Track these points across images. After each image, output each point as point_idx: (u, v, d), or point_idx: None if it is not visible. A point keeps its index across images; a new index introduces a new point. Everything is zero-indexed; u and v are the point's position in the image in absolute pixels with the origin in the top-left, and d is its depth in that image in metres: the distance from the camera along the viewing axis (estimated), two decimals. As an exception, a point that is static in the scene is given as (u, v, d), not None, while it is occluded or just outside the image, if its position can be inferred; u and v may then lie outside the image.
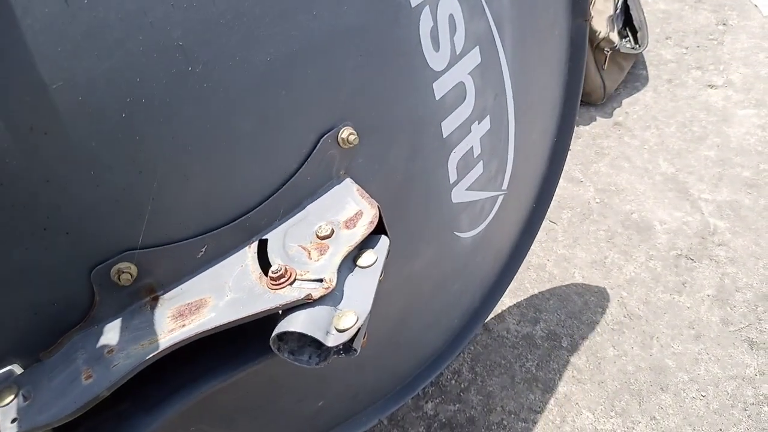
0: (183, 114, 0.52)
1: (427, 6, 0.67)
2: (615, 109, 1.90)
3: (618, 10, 1.85)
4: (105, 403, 0.51)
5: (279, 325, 0.53)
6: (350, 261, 0.59)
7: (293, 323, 0.52)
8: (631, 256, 1.50)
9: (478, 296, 1.13)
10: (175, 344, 0.52)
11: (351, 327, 0.53)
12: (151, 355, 0.51)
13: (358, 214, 0.63)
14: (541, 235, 1.56)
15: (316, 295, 0.54)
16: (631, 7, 1.94)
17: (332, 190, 0.65)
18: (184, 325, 0.53)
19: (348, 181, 0.66)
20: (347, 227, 0.62)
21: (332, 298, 0.55)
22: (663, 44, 2.14)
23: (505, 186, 0.96)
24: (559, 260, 1.50)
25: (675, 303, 1.39)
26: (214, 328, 0.52)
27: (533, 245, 1.54)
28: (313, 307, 0.54)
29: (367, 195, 0.64)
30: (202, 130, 0.54)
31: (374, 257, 0.60)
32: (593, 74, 1.81)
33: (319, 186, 0.64)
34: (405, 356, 1.05)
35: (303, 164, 0.62)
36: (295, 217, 0.63)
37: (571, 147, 1.78)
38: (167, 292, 0.57)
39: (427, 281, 0.90)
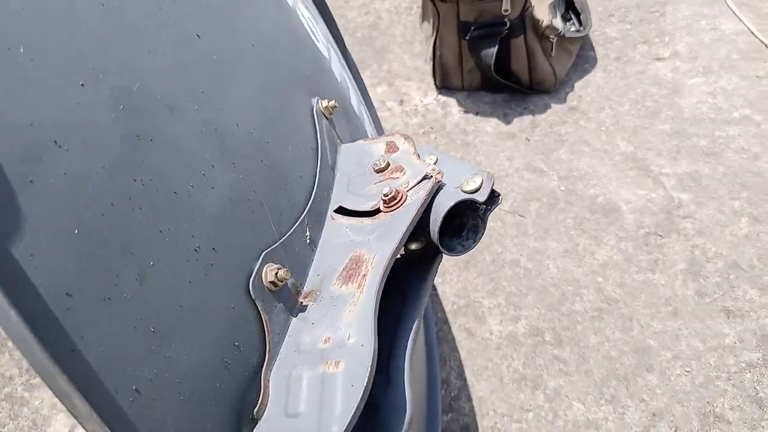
0: (230, 97, 0.54)
1: (296, 7, 0.76)
2: (568, 93, 1.91)
3: (558, -4, 1.86)
4: None
5: (432, 222, 0.55)
6: None
7: (444, 206, 0.54)
8: (602, 240, 1.51)
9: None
10: (382, 277, 0.50)
11: (482, 182, 0.56)
12: (375, 292, 0.49)
13: (391, 144, 0.66)
14: (511, 230, 1.57)
15: (439, 177, 0.57)
16: (571, -9, 1.95)
17: (344, 153, 0.69)
18: (364, 276, 0.52)
19: (346, 144, 0.71)
20: (393, 152, 0.65)
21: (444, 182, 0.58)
22: (607, 22, 2.16)
23: None
24: (532, 253, 1.51)
25: (650, 282, 1.41)
26: (394, 251, 0.52)
27: (506, 240, 1.54)
28: (442, 189, 0.57)
29: (377, 136, 0.70)
30: (252, 111, 0.56)
31: (434, 156, 0.63)
32: (542, 63, 1.82)
33: (335, 154, 0.68)
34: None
35: (317, 137, 0.66)
36: (338, 182, 0.66)
37: (530, 138, 1.79)
38: (305, 284, 0.56)
39: None
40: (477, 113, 1.89)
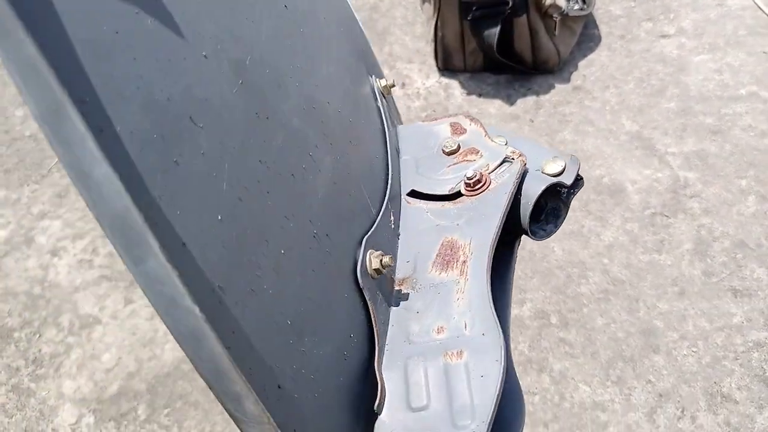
0: (319, 73, 0.51)
1: None
2: (572, 73, 1.89)
3: (561, -27, 1.83)
4: None
5: (523, 207, 0.54)
6: None
7: (534, 190, 0.54)
8: (608, 221, 1.50)
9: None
10: (488, 263, 0.49)
11: (564, 165, 0.56)
12: (485, 278, 0.47)
13: (456, 125, 0.65)
14: (515, 213, 1.55)
15: (523, 160, 0.56)
16: (574, -32, 1.92)
17: (404, 134, 0.67)
18: (464, 262, 0.51)
19: (402, 126, 0.68)
20: (461, 134, 0.64)
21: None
22: (611, 0, 2.13)
23: None
24: (537, 236, 1.50)
25: (656, 262, 1.40)
26: (495, 235, 0.51)
27: (509, 225, 1.53)
28: (527, 174, 0.56)
29: (438, 117, 0.67)
30: (336, 89, 0.53)
31: (503, 137, 0.62)
32: (545, 42, 1.79)
33: (396, 136, 0.66)
34: None
35: (381, 117, 0.63)
36: (405, 164, 0.64)
37: (534, 119, 1.77)
38: (396, 270, 0.54)
39: None
40: (480, 95, 1.87)
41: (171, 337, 1.38)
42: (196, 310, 0.29)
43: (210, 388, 0.32)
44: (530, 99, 1.83)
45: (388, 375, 0.45)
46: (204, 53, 0.37)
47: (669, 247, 1.42)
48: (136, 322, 1.44)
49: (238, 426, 0.33)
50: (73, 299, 1.50)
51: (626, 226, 1.48)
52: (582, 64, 1.91)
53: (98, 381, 1.35)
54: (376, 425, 0.43)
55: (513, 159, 0.57)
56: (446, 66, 1.94)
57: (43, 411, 1.30)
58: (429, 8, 1.89)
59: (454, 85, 1.92)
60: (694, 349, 1.25)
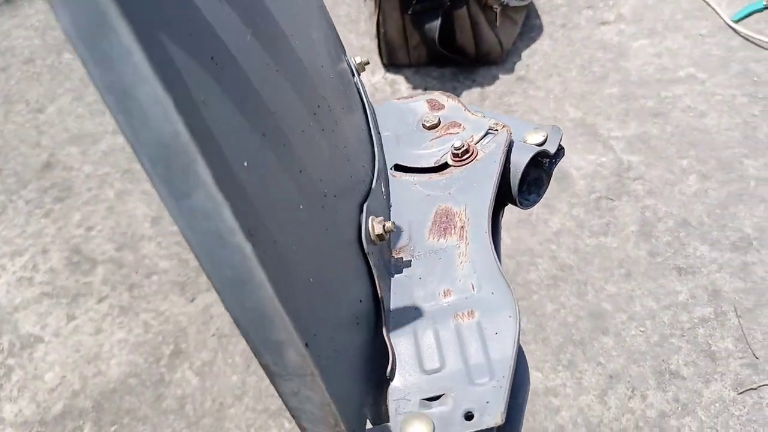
0: (313, 36, 0.52)
1: None
2: (515, 63, 1.90)
3: (500, -35, 1.83)
4: None
5: (512, 176, 0.56)
6: None
7: (521, 159, 0.56)
8: (555, 208, 1.50)
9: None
10: (489, 226, 0.50)
11: (545, 135, 0.58)
12: (488, 241, 0.49)
13: (433, 102, 0.66)
14: (464, 204, 1.55)
15: (509, 130, 0.58)
16: (512, -41, 1.93)
17: (380, 112, 0.68)
18: (462, 227, 0.52)
19: (384, 104, 0.70)
20: (439, 109, 0.65)
21: None
22: (552, -10, 2.15)
23: None
24: (486, 226, 1.50)
25: (602, 245, 1.41)
26: (491, 200, 0.52)
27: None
28: (512, 145, 0.57)
29: (413, 95, 0.68)
30: (326, 56, 0.54)
31: (480, 112, 0.63)
32: (487, 33, 1.79)
33: (374, 113, 0.67)
34: None
35: (360, 93, 0.64)
36: (386, 140, 0.65)
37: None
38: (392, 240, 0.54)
39: None
40: (426, 89, 1.87)
41: (117, 352, 1.32)
42: (248, 248, 0.27)
43: (247, 339, 0.30)
44: (475, 91, 1.83)
45: (397, 341, 0.46)
46: None
47: (614, 229, 1.44)
48: (79, 338, 1.39)
49: (273, 382, 0.32)
50: (13, 319, 1.44)
51: (572, 212, 1.49)
52: (525, 54, 1.93)
53: (41, 402, 1.29)
54: (388, 391, 0.42)
55: (497, 130, 0.59)
56: (391, 61, 1.93)
57: (-18, 437, 1.25)
58: (371, 4, 1.88)
59: (399, 80, 1.91)
60: (642, 329, 1.26)
